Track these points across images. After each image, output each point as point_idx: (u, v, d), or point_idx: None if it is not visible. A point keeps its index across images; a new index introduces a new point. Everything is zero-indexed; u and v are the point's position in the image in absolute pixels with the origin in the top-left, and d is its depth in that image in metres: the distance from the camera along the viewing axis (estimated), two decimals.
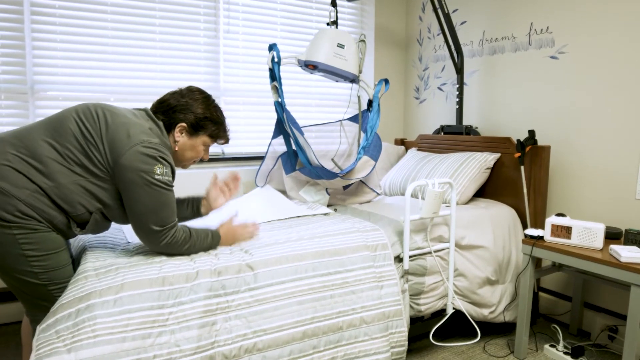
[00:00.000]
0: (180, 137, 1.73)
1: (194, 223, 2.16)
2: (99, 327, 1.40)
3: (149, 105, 2.84)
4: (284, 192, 2.87)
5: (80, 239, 1.96)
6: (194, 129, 1.73)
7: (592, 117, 2.52)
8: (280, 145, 2.80)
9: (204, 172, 2.95)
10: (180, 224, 1.75)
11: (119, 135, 1.55)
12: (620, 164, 2.41)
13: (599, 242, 2.06)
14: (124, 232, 2.05)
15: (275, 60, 2.46)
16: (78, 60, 2.65)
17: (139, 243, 1.88)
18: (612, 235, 2.21)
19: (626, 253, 1.90)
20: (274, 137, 2.75)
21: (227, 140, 1.88)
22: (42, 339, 1.38)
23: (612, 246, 2.00)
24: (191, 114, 1.71)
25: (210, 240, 1.78)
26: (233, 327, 1.59)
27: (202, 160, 1.87)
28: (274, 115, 3.26)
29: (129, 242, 1.90)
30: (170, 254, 1.71)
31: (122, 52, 2.75)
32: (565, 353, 2.28)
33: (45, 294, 1.55)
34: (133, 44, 2.78)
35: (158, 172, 1.56)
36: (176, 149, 1.74)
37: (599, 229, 2.06)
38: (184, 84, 2.93)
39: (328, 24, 2.78)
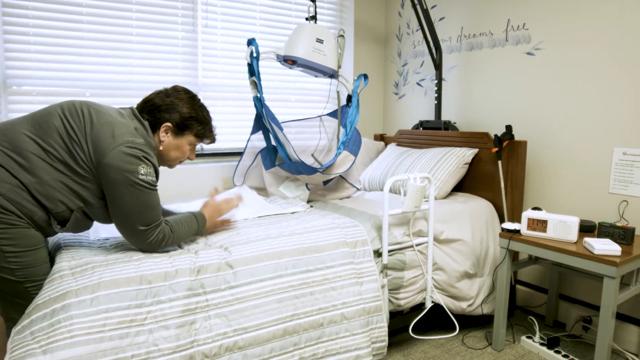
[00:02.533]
0: (166, 136, 1.71)
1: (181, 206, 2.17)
2: (76, 328, 1.38)
3: (126, 100, 2.79)
4: (263, 189, 2.86)
5: (55, 236, 1.92)
6: (179, 129, 1.72)
7: (567, 113, 2.57)
8: (259, 141, 2.78)
9: (186, 168, 2.92)
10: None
11: (104, 134, 1.52)
12: (594, 158, 2.46)
13: (573, 235, 2.10)
14: (89, 231, 2.00)
15: (254, 55, 2.44)
16: (52, 54, 2.58)
17: (113, 240, 1.85)
18: (586, 228, 2.26)
19: (599, 245, 1.95)
20: (253, 132, 2.73)
21: (213, 140, 1.87)
22: (16, 340, 1.35)
23: (586, 239, 2.05)
24: (176, 113, 1.69)
25: (196, 224, 1.79)
26: (213, 325, 1.58)
27: (188, 159, 1.86)
28: (253, 111, 3.23)
29: (106, 239, 1.87)
30: (155, 251, 1.69)
31: (98, 46, 2.69)
32: (542, 344, 2.33)
33: (22, 292, 1.52)
34: (109, 38, 2.72)
35: (142, 172, 1.54)
36: (161, 148, 1.72)
37: (574, 222, 2.10)
38: (161, 79, 2.89)
39: (307, 18, 2.77)
